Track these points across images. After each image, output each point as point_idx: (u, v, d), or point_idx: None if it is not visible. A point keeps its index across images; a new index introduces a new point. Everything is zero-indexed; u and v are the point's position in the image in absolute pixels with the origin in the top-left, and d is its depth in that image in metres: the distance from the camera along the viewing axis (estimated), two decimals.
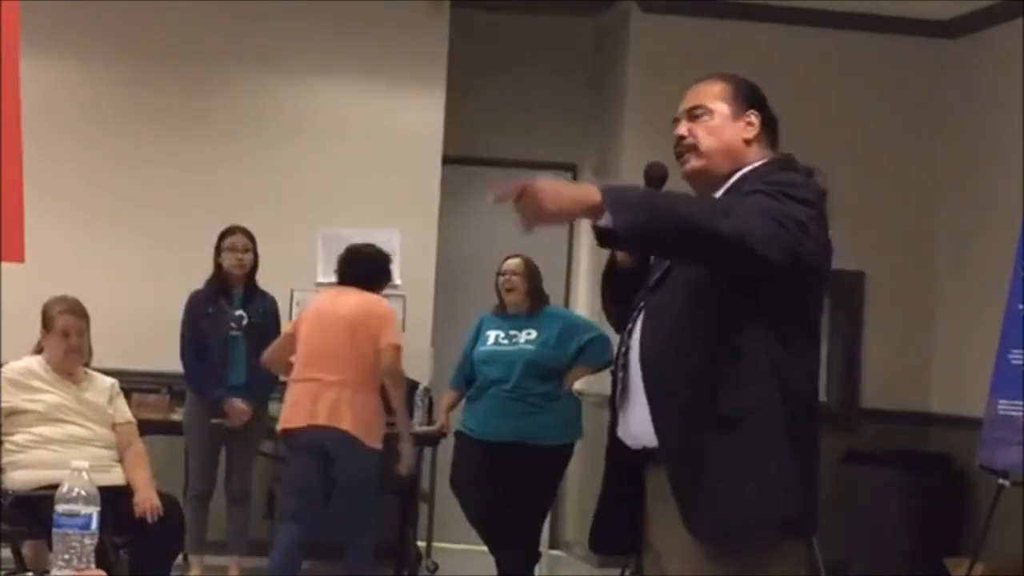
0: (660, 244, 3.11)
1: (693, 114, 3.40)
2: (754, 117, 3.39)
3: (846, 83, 9.07)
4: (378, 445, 6.70)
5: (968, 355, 8.45)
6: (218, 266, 7.54)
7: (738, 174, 3.33)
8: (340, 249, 7.17)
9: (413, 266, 8.48)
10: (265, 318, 7.58)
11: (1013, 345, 6.73)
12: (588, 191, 3.03)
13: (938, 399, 8.99)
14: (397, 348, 6.71)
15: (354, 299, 6.76)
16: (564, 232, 9.83)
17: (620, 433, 3.34)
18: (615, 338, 3.51)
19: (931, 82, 9.17)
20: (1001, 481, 6.71)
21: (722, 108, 3.39)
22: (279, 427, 6.82)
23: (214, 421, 7.46)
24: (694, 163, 3.37)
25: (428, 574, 8.32)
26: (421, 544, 8.18)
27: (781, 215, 3.08)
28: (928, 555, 8.02)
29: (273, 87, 8.88)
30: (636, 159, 8.93)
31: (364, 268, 6.89)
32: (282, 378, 7.23)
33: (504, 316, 7.21)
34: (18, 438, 5.89)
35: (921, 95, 9.20)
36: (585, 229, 9.76)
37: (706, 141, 3.36)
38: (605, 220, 3.00)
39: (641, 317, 3.31)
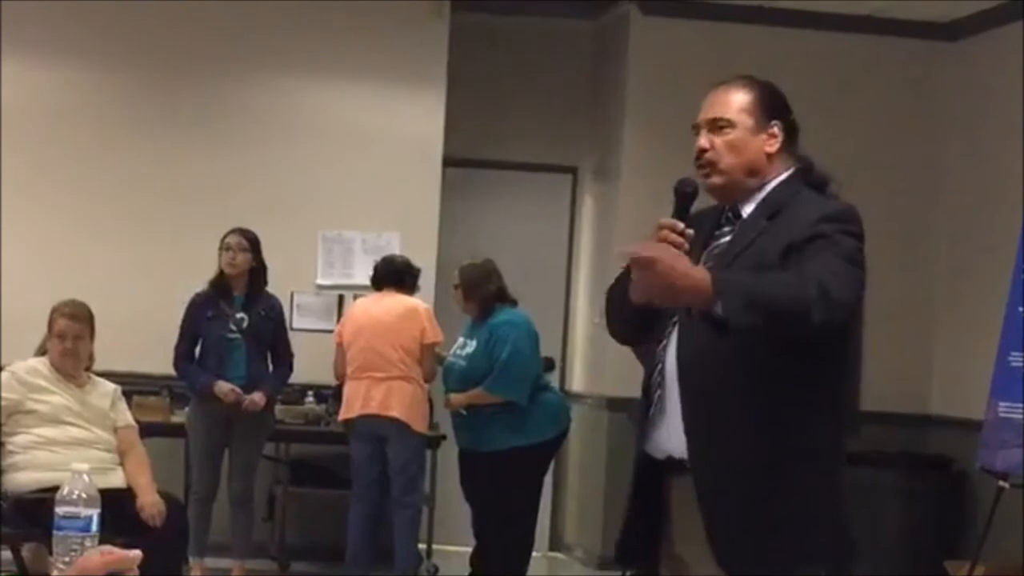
0: (765, 334, 3.12)
1: (715, 125, 3.38)
2: (777, 128, 3.38)
3: (846, 85, 9.07)
4: (425, 430, 7.56)
5: (968, 357, 8.45)
6: (220, 268, 7.56)
7: (765, 190, 3.35)
8: (340, 251, 7.49)
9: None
10: (266, 321, 7.59)
11: (1013, 347, 6.73)
12: (701, 279, 3.01)
13: (938, 401, 8.99)
14: (437, 344, 7.51)
15: (395, 301, 7.52)
16: (564, 232, 9.83)
17: (647, 447, 3.34)
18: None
19: (931, 84, 9.17)
20: (1001, 483, 6.70)
21: (745, 121, 3.36)
22: (339, 417, 7.61)
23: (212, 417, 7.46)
24: (715, 180, 3.38)
25: None
26: (422, 546, 8.18)
27: (849, 272, 3.12)
28: (928, 557, 8.01)
29: (273, 90, 8.88)
30: (636, 161, 8.99)
31: (397, 272, 7.58)
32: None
33: (472, 321, 7.30)
34: (19, 439, 5.90)
35: (921, 97, 9.20)
36: (585, 230, 9.76)
37: (727, 159, 3.35)
38: (716, 309, 3.01)
39: (675, 333, 3.30)
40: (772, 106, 3.40)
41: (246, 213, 8.16)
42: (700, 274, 3.03)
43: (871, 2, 8.79)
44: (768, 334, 3.10)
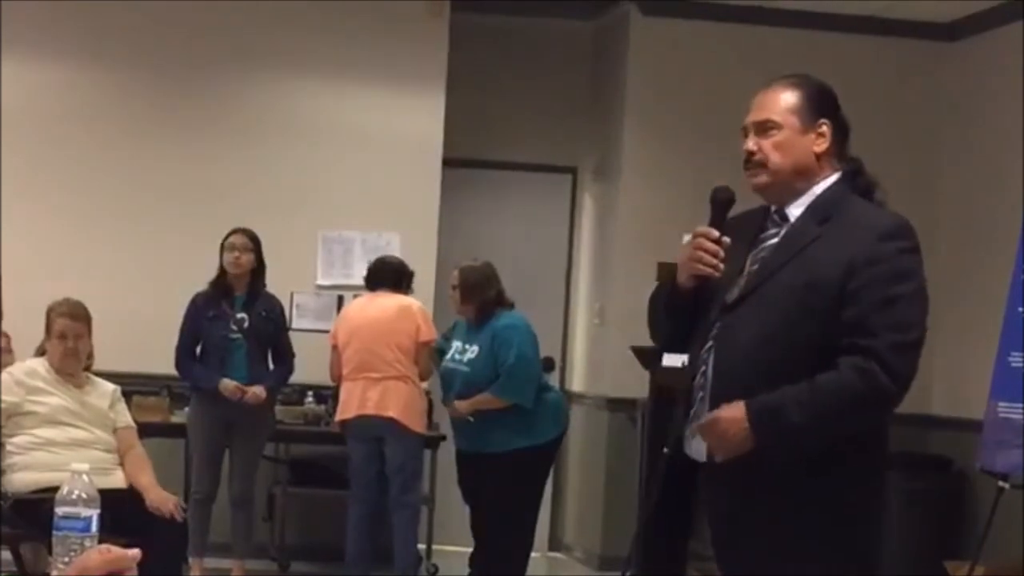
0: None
1: (762, 128, 3.35)
2: (825, 128, 3.36)
3: (846, 86, 8.99)
4: (422, 430, 7.58)
5: (968, 357, 8.44)
6: (221, 268, 7.56)
7: (812, 194, 3.33)
8: (340, 251, 7.76)
9: (413, 269, 8.47)
10: (268, 320, 7.60)
11: (1013, 347, 6.72)
12: (744, 441, 3.16)
13: (938, 402, 8.98)
14: (432, 342, 7.49)
15: (389, 301, 7.52)
16: (564, 232, 9.82)
17: (687, 449, 3.35)
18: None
19: (931, 84, 9.17)
20: (1001, 484, 6.69)
21: (792, 122, 3.34)
22: (336, 418, 7.62)
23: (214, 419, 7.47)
24: (763, 179, 3.34)
25: None
26: (421, 546, 8.18)
27: (905, 331, 3.19)
28: (928, 558, 8.01)
29: (273, 90, 8.88)
30: (636, 161, 8.99)
31: (394, 274, 7.61)
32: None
33: (469, 325, 7.19)
34: (19, 440, 5.89)
35: (921, 97, 9.20)
36: (585, 230, 9.75)
37: (775, 158, 3.32)
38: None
39: (716, 337, 3.31)
40: (820, 105, 3.38)
41: (246, 213, 8.16)
42: (742, 433, 3.16)
43: (871, 2, 8.79)
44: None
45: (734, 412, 3.16)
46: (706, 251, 3.25)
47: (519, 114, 9.63)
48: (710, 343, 3.31)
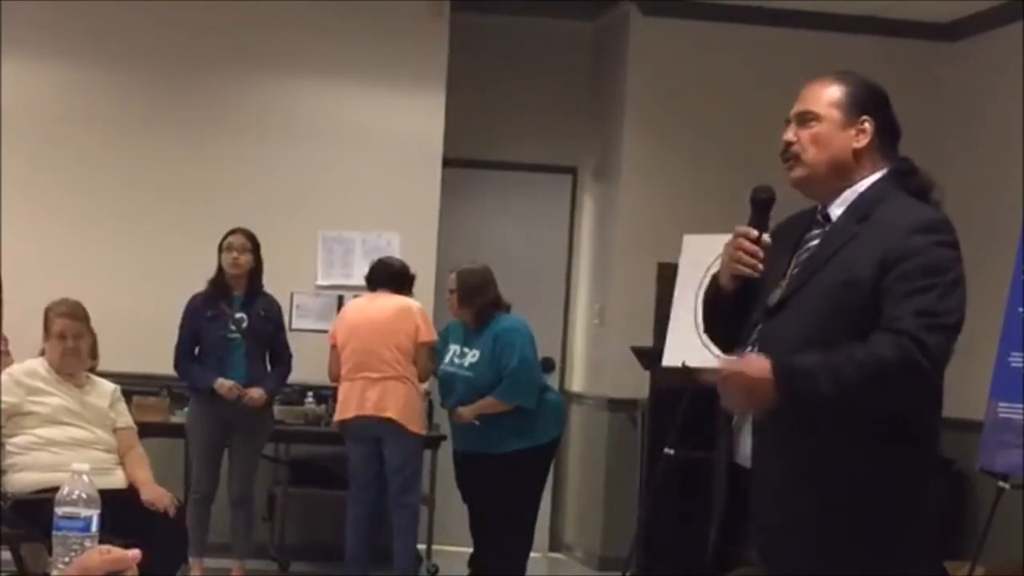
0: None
1: (803, 119, 3.31)
2: (867, 124, 3.31)
3: None
4: (421, 430, 7.51)
5: (968, 358, 8.38)
6: (220, 268, 7.56)
7: (855, 192, 3.29)
8: (340, 251, 7.78)
9: (414, 269, 8.48)
10: (266, 320, 7.60)
11: (1013, 348, 6.72)
12: (767, 393, 3.05)
13: None
14: (431, 343, 7.42)
15: (389, 301, 7.47)
16: (564, 232, 9.82)
17: (734, 455, 3.31)
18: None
19: (931, 85, 9.16)
20: (1001, 484, 6.70)
21: (833, 115, 3.29)
22: (335, 419, 7.57)
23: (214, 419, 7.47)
24: (798, 172, 3.30)
25: None
26: (421, 547, 8.18)
27: (939, 315, 3.13)
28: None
29: (273, 90, 8.88)
30: (636, 161, 8.99)
31: (397, 276, 7.56)
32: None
33: (466, 328, 7.18)
34: (19, 440, 5.90)
35: (921, 98, 9.18)
36: (585, 230, 9.75)
37: (810, 152, 3.28)
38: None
39: (757, 340, 3.27)
40: (865, 101, 3.33)
41: (246, 213, 8.16)
42: (764, 386, 3.05)
43: (871, 2, 8.79)
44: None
45: (759, 365, 3.09)
46: (745, 251, 3.23)
47: (519, 114, 9.63)
48: (751, 347, 3.26)
